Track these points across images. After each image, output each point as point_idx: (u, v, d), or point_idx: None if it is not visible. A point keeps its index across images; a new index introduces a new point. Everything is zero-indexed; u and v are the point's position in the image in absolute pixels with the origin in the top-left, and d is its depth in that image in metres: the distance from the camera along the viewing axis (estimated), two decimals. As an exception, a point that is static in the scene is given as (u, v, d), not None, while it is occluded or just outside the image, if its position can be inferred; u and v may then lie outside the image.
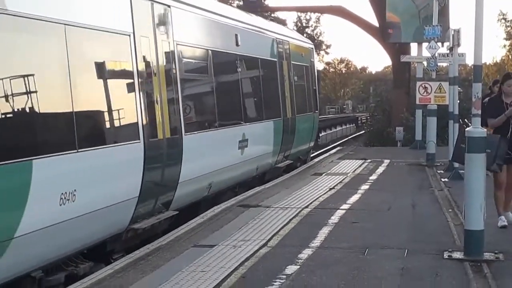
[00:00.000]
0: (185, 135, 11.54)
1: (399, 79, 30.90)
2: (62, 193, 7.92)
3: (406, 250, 8.97)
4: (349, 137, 44.28)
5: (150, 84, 10.54)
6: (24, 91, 7.51)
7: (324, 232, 10.24)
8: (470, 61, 30.18)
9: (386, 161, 20.61)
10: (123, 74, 9.95)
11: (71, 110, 8.27)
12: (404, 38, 29.11)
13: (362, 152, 25.01)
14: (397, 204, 12.85)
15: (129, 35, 10.00)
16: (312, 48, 23.44)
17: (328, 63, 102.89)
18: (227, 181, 14.14)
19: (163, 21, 11.17)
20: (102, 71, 9.38)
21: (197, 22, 13.01)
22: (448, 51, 19.35)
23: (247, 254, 8.83)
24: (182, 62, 11.92)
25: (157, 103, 10.67)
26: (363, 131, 39.90)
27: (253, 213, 11.84)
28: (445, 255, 8.69)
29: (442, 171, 17.68)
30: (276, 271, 8.01)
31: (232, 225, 10.81)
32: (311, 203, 12.81)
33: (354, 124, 56.28)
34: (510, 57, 63.18)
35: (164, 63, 11.12)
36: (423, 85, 20.45)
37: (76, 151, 8.25)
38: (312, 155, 23.84)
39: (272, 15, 31.04)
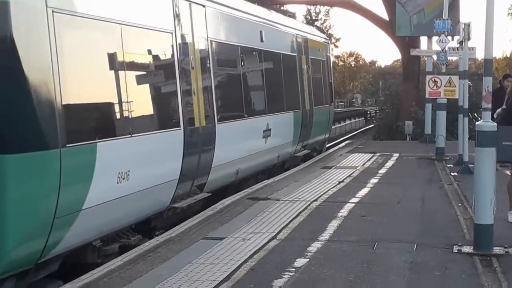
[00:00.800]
0: (217, 124, 12.64)
1: (408, 73, 30.81)
2: (119, 173, 9.01)
3: (416, 244, 8.96)
4: (358, 131, 44.21)
5: (188, 77, 11.63)
6: (89, 84, 8.71)
7: (333, 225, 10.24)
8: (480, 55, 30.01)
9: (396, 155, 20.58)
10: (168, 67, 11.02)
11: (127, 100, 9.32)
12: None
13: (371, 145, 24.98)
14: (406, 198, 12.84)
15: (171, 33, 11.06)
16: (328, 43, 24.54)
17: (337, 57, 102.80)
18: (252, 168, 15.20)
19: (199, 20, 12.22)
20: (151, 65, 10.60)
21: (228, 20, 14.06)
22: (458, 45, 19.31)
23: (256, 247, 8.84)
24: (215, 57, 13.01)
25: (194, 94, 11.76)
26: (372, 125, 39.86)
27: (262, 206, 11.85)
28: (455, 249, 8.68)
29: (451, 165, 17.64)
30: (285, 264, 8.02)
31: (241, 218, 10.83)
32: (320, 196, 12.81)
33: (363, 118, 56.14)
34: (520, 51, 62.89)
35: (200, 58, 12.22)
36: (433, 79, 20.37)
37: (130, 136, 9.34)
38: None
39: (282, 8, 30.94)
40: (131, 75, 9.61)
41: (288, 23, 19.51)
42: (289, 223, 10.37)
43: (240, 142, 14.11)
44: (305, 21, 62.16)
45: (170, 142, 10.68)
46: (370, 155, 20.55)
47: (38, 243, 7.50)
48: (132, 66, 9.72)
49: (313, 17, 76.81)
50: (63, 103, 7.73)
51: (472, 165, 10.13)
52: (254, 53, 15.81)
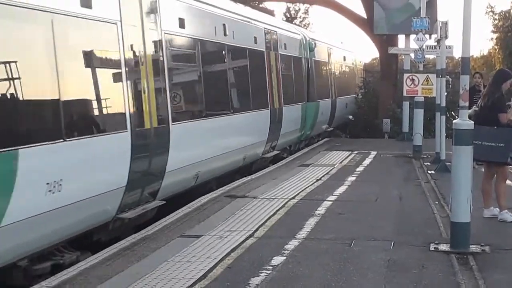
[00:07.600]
0: (334, 99, 27.13)
1: (386, 71, 30.82)
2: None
3: (393, 242, 8.98)
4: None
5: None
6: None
7: (310, 223, 10.24)
8: (457, 53, 30.00)
9: (373, 153, 20.64)
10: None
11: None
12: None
13: (349, 143, 25.04)
14: (383, 195, 12.86)
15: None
16: (355, 54, 38.35)
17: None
18: (339, 121, 30.25)
19: (329, 53, 26.90)
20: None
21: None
22: (435, 43, 19.35)
23: (233, 244, 8.81)
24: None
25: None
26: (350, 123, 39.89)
27: (240, 203, 11.82)
28: (432, 247, 8.70)
29: (428, 163, 17.71)
30: (262, 262, 8.00)
31: (218, 216, 10.80)
32: (297, 194, 12.80)
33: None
34: (497, 50, 63.19)
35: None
36: (410, 77, 20.44)
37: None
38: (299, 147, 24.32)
39: (260, 5, 30.89)
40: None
41: (345, 47, 34.70)
42: (266, 221, 10.35)
43: (339, 112, 28.40)
44: (284, 19, 62.06)
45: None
46: (347, 153, 20.61)
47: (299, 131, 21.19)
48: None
49: (292, 15, 76.71)
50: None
51: (449, 163, 10.14)
52: (342, 68, 31.74)
